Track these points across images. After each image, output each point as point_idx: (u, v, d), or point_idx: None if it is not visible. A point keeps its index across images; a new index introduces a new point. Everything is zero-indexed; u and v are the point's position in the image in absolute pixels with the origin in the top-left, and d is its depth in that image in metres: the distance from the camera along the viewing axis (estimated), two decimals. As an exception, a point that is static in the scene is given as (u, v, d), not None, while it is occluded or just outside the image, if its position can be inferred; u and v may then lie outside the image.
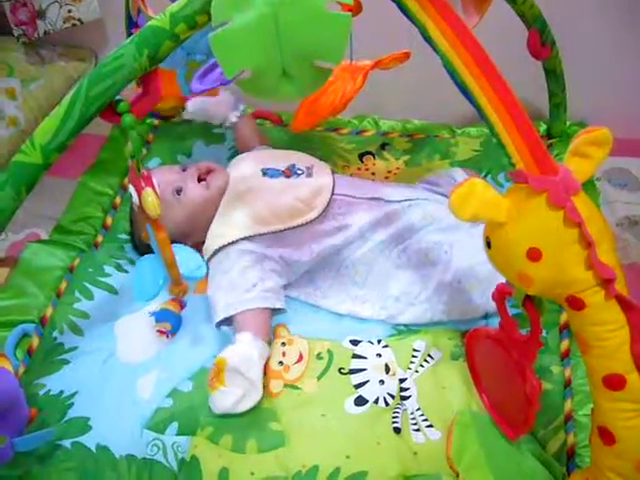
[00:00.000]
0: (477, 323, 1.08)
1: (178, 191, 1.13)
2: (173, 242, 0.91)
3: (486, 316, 1.09)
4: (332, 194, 1.11)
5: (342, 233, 1.11)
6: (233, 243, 1.09)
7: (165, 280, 0.95)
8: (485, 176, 1.33)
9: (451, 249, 1.09)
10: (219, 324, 1.05)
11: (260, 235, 1.09)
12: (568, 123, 1.39)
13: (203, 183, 1.15)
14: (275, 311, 1.08)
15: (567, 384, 1.00)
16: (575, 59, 1.24)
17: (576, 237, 0.62)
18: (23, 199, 0.73)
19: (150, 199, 0.81)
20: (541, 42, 1.16)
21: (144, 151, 1.46)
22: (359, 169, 1.39)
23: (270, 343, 1.05)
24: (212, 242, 1.11)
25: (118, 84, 0.72)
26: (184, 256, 0.96)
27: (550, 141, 1.38)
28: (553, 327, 1.05)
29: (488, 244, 0.69)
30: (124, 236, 1.28)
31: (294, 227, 1.09)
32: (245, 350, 0.97)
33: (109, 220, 1.32)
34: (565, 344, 1.04)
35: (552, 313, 1.05)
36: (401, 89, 1.44)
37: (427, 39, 0.67)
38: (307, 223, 1.09)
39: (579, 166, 0.64)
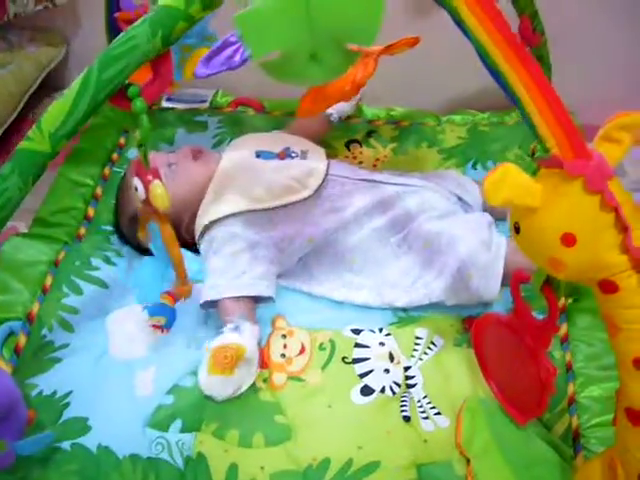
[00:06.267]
0: (475, 309, 1.09)
1: (170, 165, 1.13)
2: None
3: (485, 304, 1.09)
4: (326, 175, 1.11)
5: (336, 215, 1.10)
6: (223, 221, 1.07)
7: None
8: (474, 164, 1.33)
9: (451, 239, 1.08)
10: (203, 305, 1.05)
11: (251, 212, 1.07)
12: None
13: (199, 161, 1.15)
14: (265, 298, 1.06)
15: (568, 368, 1.01)
16: (562, 48, 1.25)
17: (612, 222, 0.62)
18: (29, 189, 0.70)
19: (159, 191, 0.79)
20: (532, 29, 1.17)
21: (122, 140, 1.42)
22: (346, 157, 1.37)
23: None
24: (202, 218, 1.10)
25: (131, 66, 0.69)
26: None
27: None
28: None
29: (517, 229, 0.68)
30: (108, 227, 1.23)
31: (286, 205, 1.08)
32: (253, 341, 0.97)
33: (91, 211, 1.26)
34: (563, 329, 1.06)
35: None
36: (383, 77, 1.42)
37: (458, 22, 0.65)
38: (300, 202, 1.08)
39: (609, 151, 0.64)
